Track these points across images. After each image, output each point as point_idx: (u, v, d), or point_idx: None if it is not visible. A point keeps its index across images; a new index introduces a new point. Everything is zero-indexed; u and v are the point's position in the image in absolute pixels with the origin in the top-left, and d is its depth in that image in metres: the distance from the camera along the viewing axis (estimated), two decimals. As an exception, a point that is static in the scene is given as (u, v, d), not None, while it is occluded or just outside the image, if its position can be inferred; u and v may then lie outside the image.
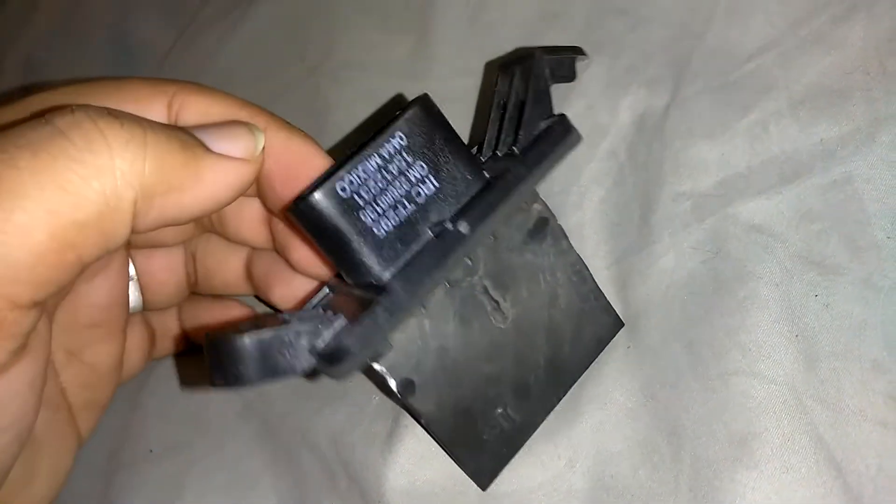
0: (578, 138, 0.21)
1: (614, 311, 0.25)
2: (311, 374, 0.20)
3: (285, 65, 0.35)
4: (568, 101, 0.29)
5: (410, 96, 0.31)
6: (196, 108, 0.20)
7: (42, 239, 0.15)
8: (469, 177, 0.20)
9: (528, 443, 0.24)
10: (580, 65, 0.24)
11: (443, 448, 0.24)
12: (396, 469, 0.25)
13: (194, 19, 0.38)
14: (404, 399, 0.21)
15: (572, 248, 0.24)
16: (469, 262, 0.22)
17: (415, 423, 0.25)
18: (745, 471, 0.22)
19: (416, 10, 0.34)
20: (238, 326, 0.18)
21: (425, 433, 0.25)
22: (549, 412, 0.24)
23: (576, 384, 0.25)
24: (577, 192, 0.28)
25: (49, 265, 0.15)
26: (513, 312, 0.23)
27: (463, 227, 0.19)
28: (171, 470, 0.29)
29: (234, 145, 0.19)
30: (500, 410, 0.23)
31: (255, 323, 0.18)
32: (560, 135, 0.21)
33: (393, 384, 0.21)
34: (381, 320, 0.18)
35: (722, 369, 0.23)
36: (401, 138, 0.19)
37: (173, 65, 0.38)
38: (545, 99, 0.22)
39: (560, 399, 0.25)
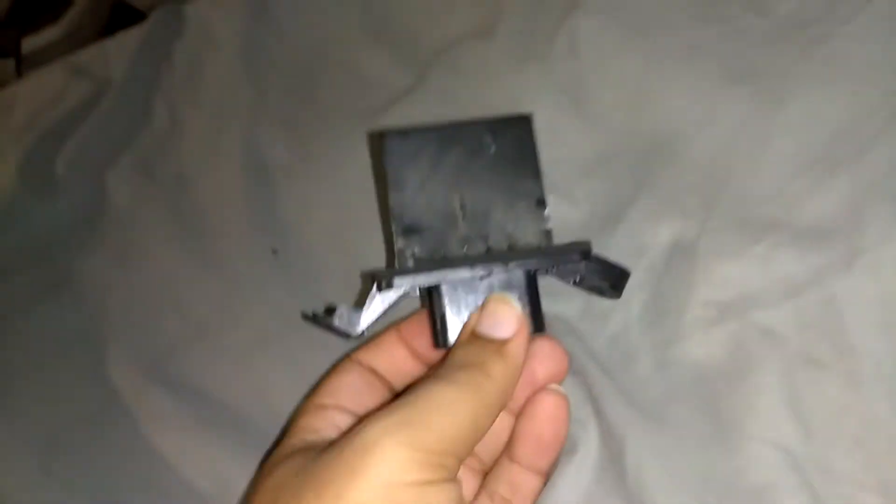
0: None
1: None
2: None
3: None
4: (616, 226, 0.37)
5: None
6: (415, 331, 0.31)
7: None
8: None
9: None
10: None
11: None
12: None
13: (311, 144, 0.48)
14: None
15: None
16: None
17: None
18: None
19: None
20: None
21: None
22: None
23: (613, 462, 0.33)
24: (624, 296, 0.36)
25: None
26: None
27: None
28: None
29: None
30: None
31: None
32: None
33: None
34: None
35: (740, 437, 0.31)
36: None
37: (296, 179, 0.47)
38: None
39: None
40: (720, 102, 0.37)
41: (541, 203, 0.31)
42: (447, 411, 0.24)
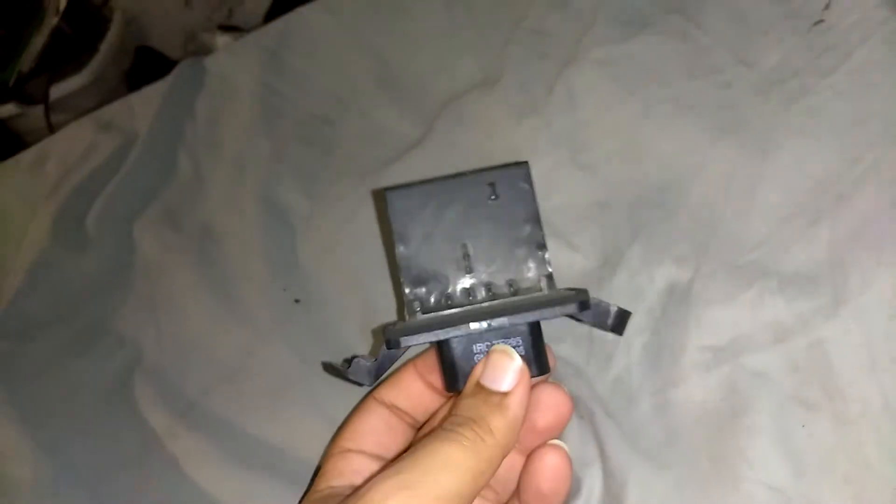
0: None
1: None
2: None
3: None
4: (615, 270, 0.39)
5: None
6: (430, 366, 0.33)
7: None
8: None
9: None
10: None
11: None
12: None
13: (327, 193, 0.50)
14: None
15: None
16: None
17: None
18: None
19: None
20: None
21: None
22: None
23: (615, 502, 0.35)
24: (625, 340, 0.38)
25: None
26: None
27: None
28: None
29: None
30: None
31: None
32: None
33: None
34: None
35: (735, 477, 0.33)
36: None
37: (313, 228, 0.49)
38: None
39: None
40: (710, 152, 0.39)
41: (541, 247, 0.33)
42: (448, 469, 0.26)
